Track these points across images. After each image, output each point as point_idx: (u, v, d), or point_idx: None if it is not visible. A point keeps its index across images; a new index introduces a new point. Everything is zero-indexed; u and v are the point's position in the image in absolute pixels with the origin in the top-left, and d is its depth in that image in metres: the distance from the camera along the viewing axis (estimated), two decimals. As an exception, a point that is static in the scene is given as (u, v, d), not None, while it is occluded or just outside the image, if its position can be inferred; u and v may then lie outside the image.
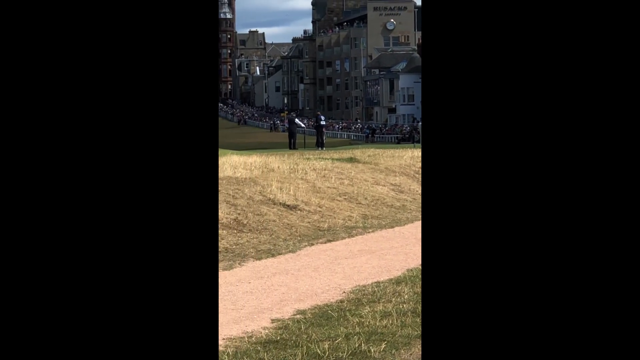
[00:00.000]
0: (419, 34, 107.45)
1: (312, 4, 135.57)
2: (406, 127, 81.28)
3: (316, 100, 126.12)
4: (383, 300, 8.57)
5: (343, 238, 13.84)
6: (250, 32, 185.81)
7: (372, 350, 6.57)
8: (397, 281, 9.62)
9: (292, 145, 37.33)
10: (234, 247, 12.52)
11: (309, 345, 6.78)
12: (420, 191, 21.22)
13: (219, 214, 14.16)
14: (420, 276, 9.85)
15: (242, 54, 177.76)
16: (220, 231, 13.38)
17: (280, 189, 16.57)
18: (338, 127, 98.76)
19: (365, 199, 18.31)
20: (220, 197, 15.06)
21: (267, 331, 7.42)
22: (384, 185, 20.35)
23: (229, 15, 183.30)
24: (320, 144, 37.32)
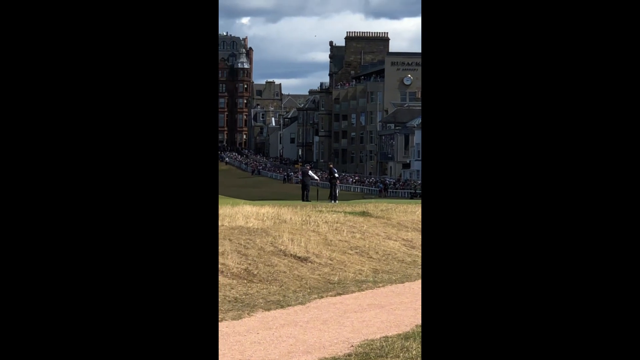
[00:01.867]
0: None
1: (330, 56, 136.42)
2: (419, 183, 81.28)
3: (331, 152, 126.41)
4: (391, 355, 8.54)
5: (353, 292, 13.81)
6: (267, 82, 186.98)
7: (379, 405, 6.54)
8: (406, 336, 9.58)
9: (305, 197, 37.34)
10: (244, 297, 12.52)
11: (315, 398, 6.75)
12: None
13: (230, 263, 14.16)
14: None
15: (258, 104, 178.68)
16: (230, 281, 13.38)
17: (292, 241, 16.57)
18: (352, 181, 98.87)
19: (377, 253, 18.28)
20: (232, 247, 15.08)
21: (273, 383, 7.39)
22: (396, 240, 20.32)
23: (246, 65, 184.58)
24: (333, 197, 37.33)
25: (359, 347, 9.08)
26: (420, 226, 23.27)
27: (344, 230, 19.57)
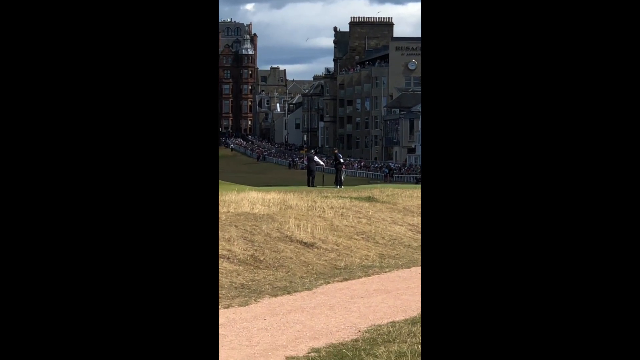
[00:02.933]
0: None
1: (334, 42, 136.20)
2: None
3: (336, 138, 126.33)
4: (398, 340, 8.54)
5: (359, 277, 13.81)
6: (271, 68, 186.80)
7: (386, 390, 6.54)
8: (413, 321, 9.58)
9: (310, 183, 37.32)
10: (250, 283, 12.52)
11: (323, 384, 6.75)
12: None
13: (236, 249, 14.17)
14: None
15: (262, 91, 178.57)
16: (236, 267, 13.38)
17: (298, 226, 16.57)
18: (357, 166, 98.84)
19: (383, 238, 18.28)
20: (238, 233, 15.08)
21: (281, 369, 7.40)
22: (402, 225, 20.31)
23: (250, 52, 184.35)
24: (338, 182, 37.32)
25: (366, 332, 9.08)
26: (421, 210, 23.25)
27: (349, 216, 19.57)
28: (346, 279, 13.47)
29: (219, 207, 17.08)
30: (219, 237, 14.03)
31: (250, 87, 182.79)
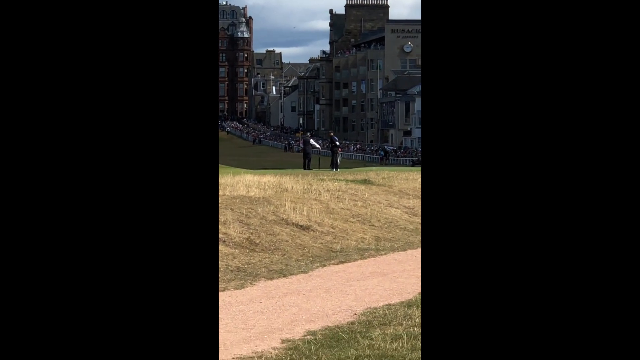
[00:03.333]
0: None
1: (330, 25, 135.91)
2: (420, 150, 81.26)
3: (331, 121, 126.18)
4: (394, 323, 8.55)
5: (355, 260, 13.81)
6: (267, 51, 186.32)
7: (382, 373, 6.54)
8: (409, 304, 9.59)
9: (306, 166, 37.33)
10: (246, 266, 12.52)
11: (319, 366, 6.76)
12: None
13: (232, 232, 14.16)
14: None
15: (258, 74, 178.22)
16: (232, 250, 13.38)
17: (294, 209, 16.56)
18: (353, 149, 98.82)
19: (379, 221, 18.29)
20: (234, 216, 15.07)
21: (277, 351, 7.40)
22: (398, 208, 20.31)
23: (246, 35, 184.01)
24: (334, 165, 37.33)
25: (362, 315, 9.08)
26: (420, 194, 23.28)
27: (345, 199, 19.57)
28: (342, 262, 13.48)
29: (215, 190, 17.05)
30: (215, 221, 14.01)
31: (245, 70, 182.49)
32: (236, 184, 19.03)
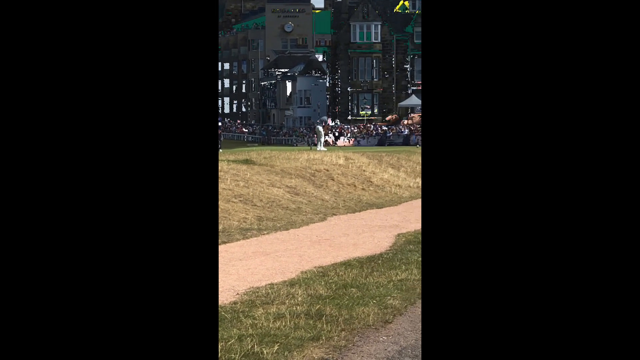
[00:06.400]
0: (316, 37, 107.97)
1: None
2: (302, 130, 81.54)
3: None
4: (277, 302, 8.57)
5: (238, 240, 13.79)
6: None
7: (265, 352, 6.56)
8: (291, 283, 9.63)
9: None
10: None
11: (202, 347, 6.72)
12: (315, 194, 21.29)
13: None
14: (313, 278, 9.89)
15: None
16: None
17: (175, 190, 16.43)
18: (234, 129, 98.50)
19: (261, 200, 18.30)
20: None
21: (159, 333, 7.34)
22: (280, 187, 20.36)
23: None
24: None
25: (245, 294, 9.08)
26: (302, 173, 23.38)
27: (227, 179, 19.50)
28: (224, 242, 13.44)
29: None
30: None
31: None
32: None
